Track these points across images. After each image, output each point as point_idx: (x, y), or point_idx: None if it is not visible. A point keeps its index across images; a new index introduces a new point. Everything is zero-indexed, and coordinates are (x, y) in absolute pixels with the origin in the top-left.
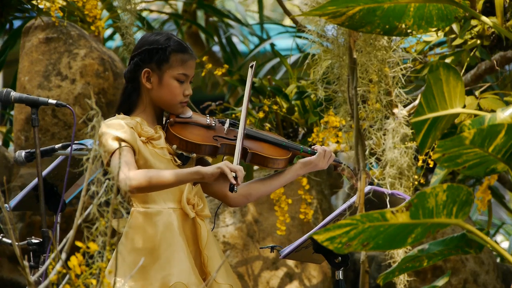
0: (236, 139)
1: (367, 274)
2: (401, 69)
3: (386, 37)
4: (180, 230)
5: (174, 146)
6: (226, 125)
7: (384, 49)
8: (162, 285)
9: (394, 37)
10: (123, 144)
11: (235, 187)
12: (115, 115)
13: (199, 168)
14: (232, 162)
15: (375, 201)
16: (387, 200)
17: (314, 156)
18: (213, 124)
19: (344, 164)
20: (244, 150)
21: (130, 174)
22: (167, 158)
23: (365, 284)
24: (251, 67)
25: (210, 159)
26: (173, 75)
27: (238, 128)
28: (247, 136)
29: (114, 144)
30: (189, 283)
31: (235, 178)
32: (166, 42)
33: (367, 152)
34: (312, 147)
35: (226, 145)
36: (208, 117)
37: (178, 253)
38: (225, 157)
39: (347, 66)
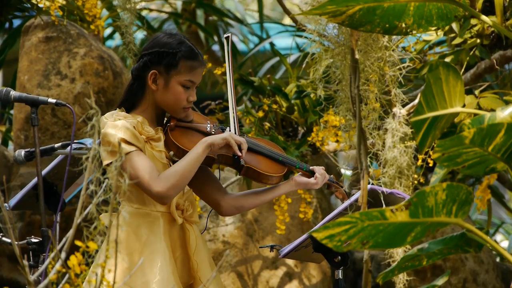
0: None
1: (369, 274)
2: (399, 69)
3: (386, 37)
4: (166, 236)
5: (171, 153)
6: (226, 132)
7: (383, 48)
8: None
9: (393, 36)
10: (132, 148)
11: (241, 160)
12: (115, 109)
13: (206, 140)
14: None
15: (376, 200)
16: (381, 198)
17: (312, 180)
18: (213, 132)
19: (339, 185)
20: (237, 163)
21: (161, 187)
22: (164, 162)
23: (368, 283)
24: (226, 38)
25: None
26: (179, 80)
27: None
28: None
29: (126, 148)
30: None
31: (240, 150)
32: (177, 46)
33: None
34: (311, 168)
35: (223, 156)
36: (208, 123)
37: (159, 260)
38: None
39: (348, 65)
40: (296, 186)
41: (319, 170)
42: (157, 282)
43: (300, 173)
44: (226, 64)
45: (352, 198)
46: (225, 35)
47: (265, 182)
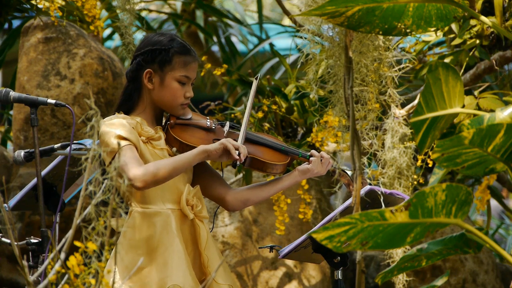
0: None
1: (363, 274)
2: (395, 70)
3: (381, 37)
4: (178, 232)
5: (174, 149)
6: (226, 127)
7: (379, 49)
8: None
9: (392, 37)
10: (127, 142)
11: (238, 163)
12: (114, 114)
13: (203, 146)
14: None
15: (376, 201)
16: (381, 199)
17: (310, 164)
18: (213, 127)
19: (343, 170)
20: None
21: (140, 171)
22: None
23: (361, 283)
24: (256, 78)
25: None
26: (175, 76)
27: (237, 131)
28: (246, 140)
29: (121, 142)
30: (185, 286)
31: (238, 154)
32: (169, 43)
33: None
34: (310, 152)
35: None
36: (208, 119)
37: (175, 256)
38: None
39: (343, 66)
40: (299, 175)
41: (317, 154)
42: (174, 277)
43: (305, 163)
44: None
45: (349, 201)
46: (256, 76)
47: (269, 172)
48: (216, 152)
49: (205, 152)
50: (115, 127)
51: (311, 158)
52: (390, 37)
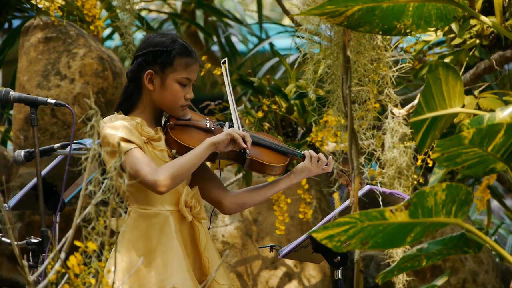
0: None
1: (361, 274)
2: (393, 71)
3: (379, 37)
4: (177, 233)
5: (174, 151)
6: (225, 128)
7: (376, 48)
8: None
9: (391, 37)
10: (132, 145)
11: (247, 151)
12: (113, 113)
13: (210, 139)
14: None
15: (375, 201)
16: (379, 199)
17: (303, 162)
18: (212, 128)
19: (341, 170)
20: (243, 156)
21: (161, 175)
22: (166, 160)
23: (359, 283)
24: (223, 63)
25: (208, 163)
26: (176, 78)
27: None
28: None
29: (125, 146)
30: None
31: (245, 142)
32: (171, 44)
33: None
34: (302, 152)
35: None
36: (207, 120)
37: (174, 258)
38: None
39: (340, 65)
40: (295, 176)
41: (307, 152)
42: (174, 279)
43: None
44: (223, 72)
45: (348, 200)
46: (222, 60)
47: (269, 173)
48: (223, 142)
49: (213, 145)
50: (118, 129)
51: (303, 152)
52: (388, 36)
